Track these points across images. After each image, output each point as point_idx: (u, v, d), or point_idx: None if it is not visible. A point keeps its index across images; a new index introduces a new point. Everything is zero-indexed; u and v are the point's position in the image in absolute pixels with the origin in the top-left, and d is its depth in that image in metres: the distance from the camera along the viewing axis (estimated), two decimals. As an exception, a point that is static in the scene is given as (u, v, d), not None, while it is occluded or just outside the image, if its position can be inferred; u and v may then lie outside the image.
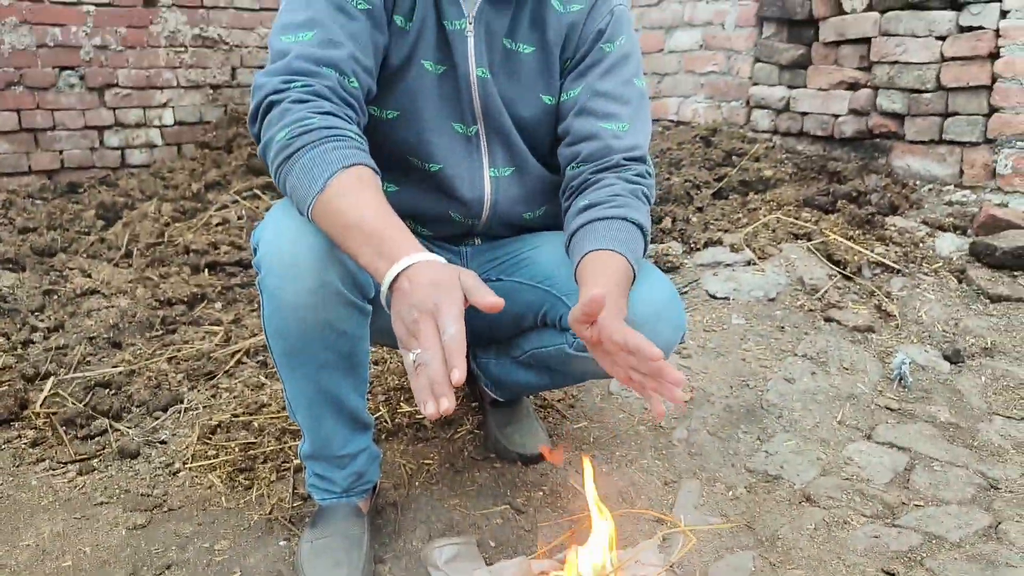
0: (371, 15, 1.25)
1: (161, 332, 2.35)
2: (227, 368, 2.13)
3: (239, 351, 2.19)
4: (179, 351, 2.22)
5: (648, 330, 1.25)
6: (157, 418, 1.92)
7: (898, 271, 2.55)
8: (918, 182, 3.19)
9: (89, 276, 2.73)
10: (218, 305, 2.53)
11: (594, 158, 1.35)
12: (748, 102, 3.83)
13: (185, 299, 2.51)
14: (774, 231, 2.77)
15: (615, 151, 1.34)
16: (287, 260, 1.16)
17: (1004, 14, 2.87)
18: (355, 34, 1.23)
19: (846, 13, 3.34)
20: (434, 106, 1.35)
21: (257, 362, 2.17)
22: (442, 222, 1.46)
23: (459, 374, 0.93)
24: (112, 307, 2.45)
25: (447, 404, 0.93)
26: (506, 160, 1.43)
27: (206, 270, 2.77)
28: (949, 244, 2.72)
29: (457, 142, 1.39)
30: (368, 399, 1.77)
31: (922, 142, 3.17)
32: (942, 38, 3.04)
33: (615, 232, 1.27)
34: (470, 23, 1.32)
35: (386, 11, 1.28)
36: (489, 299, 0.99)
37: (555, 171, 1.47)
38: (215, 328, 2.34)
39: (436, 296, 0.97)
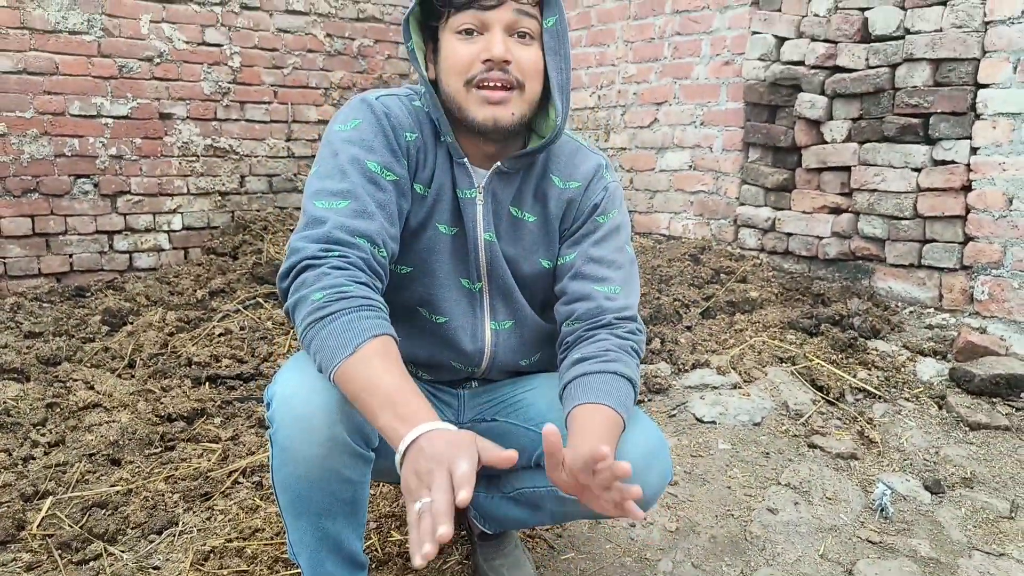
0: (398, 185, 1.39)
1: (160, 449, 2.40)
2: (223, 489, 2.17)
3: (236, 471, 2.24)
4: (176, 469, 2.27)
5: (635, 476, 1.33)
6: (152, 541, 1.95)
7: (880, 397, 2.62)
8: (899, 304, 3.30)
9: (92, 388, 2.80)
10: (217, 420, 2.59)
11: (588, 316, 1.45)
12: (736, 221, 3.99)
13: (185, 414, 2.57)
14: (760, 353, 2.86)
15: (608, 311, 1.44)
16: (299, 415, 1.23)
17: (974, 150, 3.04)
18: (384, 204, 1.35)
19: (827, 142, 3.52)
20: (446, 264, 1.47)
21: (253, 483, 2.22)
22: (442, 369, 1.55)
23: (465, 494, 0.98)
24: (113, 422, 2.51)
25: (444, 530, 0.95)
26: (507, 314, 1.54)
27: (207, 383, 2.84)
28: (930, 369, 2.80)
29: (462, 296, 1.50)
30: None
31: (902, 266, 3.29)
32: (917, 170, 3.21)
33: (606, 386, 1.35)
34: (480, 192, 1.45)
35: (409, 179, 1.42)
36: (503, 453, 1.06)
37: (549, 321, 1.57)
38: (213, 446, 2.40)
39: (453, 451, 1.04)
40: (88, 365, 3.06)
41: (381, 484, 2.18)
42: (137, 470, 2.27)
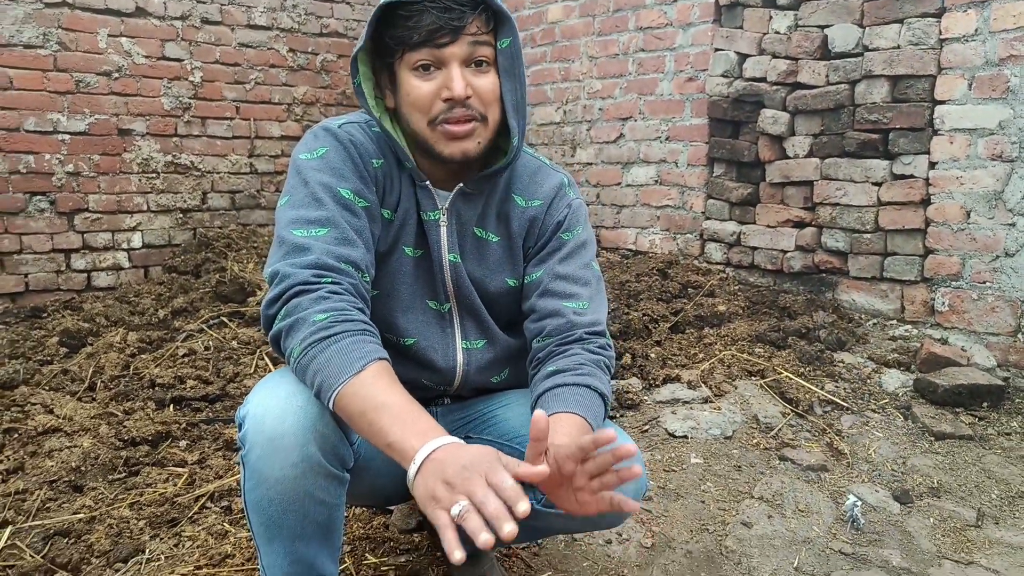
0: (369, 212, 1.39)
1: (124, 474, 2.33)
2: (190, 514, 2.12)
3: (203, 495, 2.19)
4: (141, 495, 2.21)
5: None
6: (118, 570, 1.89)
7: (847, 409, 2.66)
8: (863, 316, 3.35)
9: (51, 412, 2.71)
10: (183, 444, 2.53)
11: (559, 332, 1.45)
12: (702, 235, 4.03)
13: (149, 437, 2.51)
14: (729, 367, 2.88)
15: (578, 326, 1.45)
16: (272, 436, 1.21)
17: (933, 165, 3.11)
18: (360, 230, 1.36)
19: (790, 158, 3.58)
20: (410, 287, 1.48)
21: (221, 507, 2.17)
22: (415, 388, 1.54)
23: (525, 505, 0.96)
24: (75, 447, 2.44)
25: (510, 528, 0.94)
26: (477, 334, 1.54)
27: (171, 405, 2.78)
28: (894, 380, 2.84)
29: (431, 317, 1.51)
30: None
31: (865, 278, 3.35)
32: (878, 184, 3.27)
33: (578, 397, 1.35)
34: (443, 214, 1.46)
35: (378, 205, 1.42)
36: (534, 469, 1.03)
37: (516, 337, 1.57)
38: (179, 470, 2.34)
39: (485, 463, 1.02)
40: (47, 388, 2.97)
41: (354, 506, 2.14)
42: (100, 496, 2.21)
